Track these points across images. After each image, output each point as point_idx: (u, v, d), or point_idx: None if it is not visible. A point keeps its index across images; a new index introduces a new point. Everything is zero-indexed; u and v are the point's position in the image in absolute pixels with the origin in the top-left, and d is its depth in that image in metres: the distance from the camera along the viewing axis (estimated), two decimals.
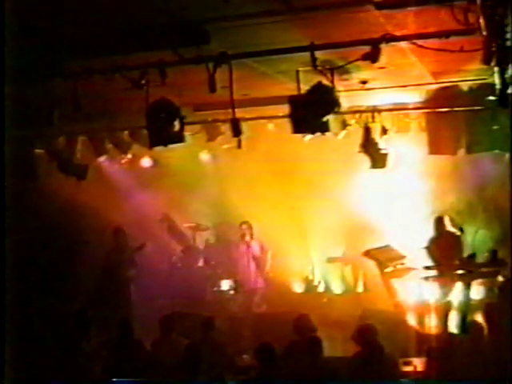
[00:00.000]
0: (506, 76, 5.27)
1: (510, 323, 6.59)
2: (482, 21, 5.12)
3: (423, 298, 9.64)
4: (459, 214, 10.54)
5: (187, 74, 7.22)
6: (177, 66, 6.77)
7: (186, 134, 7.43)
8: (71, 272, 11.43)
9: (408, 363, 7.41)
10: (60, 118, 7.71)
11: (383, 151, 9.94)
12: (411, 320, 9.37)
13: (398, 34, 6.17)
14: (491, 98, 7.16)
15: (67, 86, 7.10)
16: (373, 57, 6.15)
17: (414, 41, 6.20)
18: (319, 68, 6.54)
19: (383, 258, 9.90)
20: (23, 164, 10.01)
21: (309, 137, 7.60)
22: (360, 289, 11.88)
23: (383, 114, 10.07)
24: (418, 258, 10.05)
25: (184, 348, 6.85)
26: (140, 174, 12.68)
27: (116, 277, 11.06)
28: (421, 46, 6.20)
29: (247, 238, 11.50)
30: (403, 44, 6.52)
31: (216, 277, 11.80)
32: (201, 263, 12.37)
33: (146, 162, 12.56)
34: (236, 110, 7.29)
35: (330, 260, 12.09)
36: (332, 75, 6.72)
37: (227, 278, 11.60)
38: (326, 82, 6.71)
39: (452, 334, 8.42)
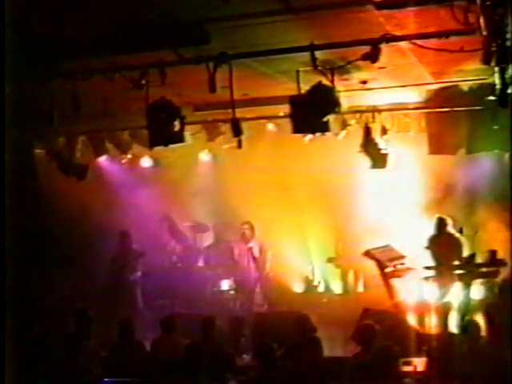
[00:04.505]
0: (506, 76, 5.27)
1: (509, 323, 6.59)
2: (482, 21, 5.12)
3: (423, 298, 9.64)
4: (459, 214, 10.53)
5: (187, 74, 7.22)
6: (177, 66, 6.77)
7: (186, 133, 7.43)
8: (72, 272, 11.43)
9: (408, 363, 7.39)
10: (60, 118, 7.70)
11: (383, 151, 9.95)
12: (411, 320, 9.36)
13: (398, 33, 6.18)
14: (491, 97, 7.16)
15: (67, 86, 7.10)
16: (373, 57, 6.16)
17: (414, 41, 6.21)
18: (319, 68, 6.54)
19: (383, 258, 9.90)
20: (23, 164, 10.01)
21: (309, 137, 7.61)
22: (360, 289, 11.87)
23: (383, 114, 10.08)
24: (417, 257, 10.05)
25: (184, 348, 6.85)
26: (140, 173, 12.68)
27: (121, 279, 11.11)
28: (421, 46, 6.20)
29: (247, 237, 11.52)
30: (403, 44, 6.52)
31: (216, 277, 11.79)
32: (201, 263, 12.37)
33: (145, 161, 12.56)
34: (236, 110, 7.29)
35: (330, 260, 12.08)
36: (332, 75, 6.72)
37: (227, 278, 11.60)
38: (326, 81, 6.72)
39: (452, 334, 8.43)
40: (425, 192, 11.06)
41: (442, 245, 9.93)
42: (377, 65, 6.40)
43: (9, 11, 4.48)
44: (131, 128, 10.60)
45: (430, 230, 10.21)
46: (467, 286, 9.20)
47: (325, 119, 6.82)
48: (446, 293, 9.40)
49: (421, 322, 9.36)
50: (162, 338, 7.96)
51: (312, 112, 6.79)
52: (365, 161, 10.01)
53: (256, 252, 11.49)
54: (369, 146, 9.87)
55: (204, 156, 12.67)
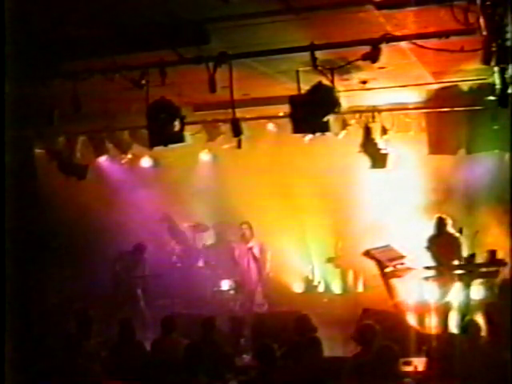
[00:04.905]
0: (506, 76, 5.27)
1: (509, 323, 6.59)
2: (481, 21, 5.12)
3: (423, 298, 9.64)
4: (459, 214, 10.52)
5: (187, 74, 7.22)
6: (177, 66, 6.77)
7: (186, 133, 7.42)
8: (72, 271, 11.44)
9: (408, 363, 7.40)
10: (60, 118, 7.70)
11: (383, 151, 9.97)
12: (411, 320, 9.36)
13: (398, 33, 6.17)
14: (491, 97, 7.16)
15: (67, 86, 7.10)
16: (373, 57, 6.15)
17: (414, 41, 6.20)
18: (319, 68, 6.54)
19: (383, 258, 9.90)
20: (23, 164, 10.01)
21: (309, 137, 7.61)
22: (360, 289, 11.87)
23: (383, 114, 10.09)
24: (418, 257, 10.05)
25: (184, 348, 6.86)
26: (140, 173, 12.69)
27: (123, 281, 11.12)
28: (421, 46, 6.19)
29: (247, 238, 11.53)
30: (403, 44, 6.52)
31: (216, 277, 11.80)
32: (201, 263, 12.38)
33: (145, 161, 12.58)
34: (236, 110, 7.29)
35: (330, 260, 12.08)
36: (332, 75, 6.72)
37: (227, 278, 11.61)
38: (326, 81, 6.71)
39: (452, 334, 8.43)
40: (425, 192, 11.06)
41: (442, 245, 9.93)
42: (377, 65, 6.39)
43: (9, 11, 4.48)
44: (131, 128, 10.60)
45: (429, 229, 10.20)
46: (467, 286, 9.19)
47: (325, 119, 6.81)
48: (446, 293, 9.40)
49: (421, 322, 9.37)
50: (162, 338, 7.96)
51: (312, 112, 6.78)
52: (365, 161, 10.02)
53: (256, 252, 11.49)
54: (369, 145, 9.88)
55: (204, 156, 12.69)
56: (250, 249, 11.50)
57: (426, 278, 9.55)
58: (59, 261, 11.35)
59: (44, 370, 7.00)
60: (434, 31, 5.98)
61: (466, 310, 8.98)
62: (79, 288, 11.00)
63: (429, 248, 10.02)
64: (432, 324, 9.17)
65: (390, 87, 9.10)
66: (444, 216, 10.16)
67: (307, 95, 6.79)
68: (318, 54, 6.39)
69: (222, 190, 12.33)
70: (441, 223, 10.10)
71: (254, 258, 11.44)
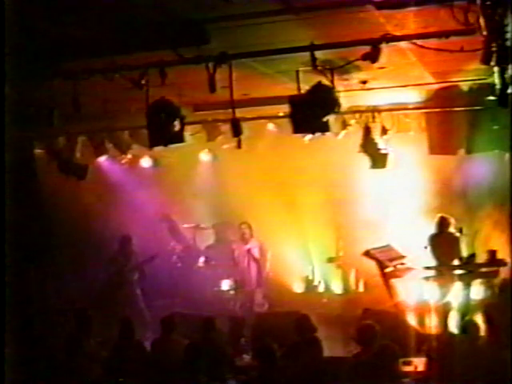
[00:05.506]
0: (506, 76, 5.27)
1: (510, 323, 6.60)
2: (481, 21, 5.12)
3: (423, 297, 9.63)
4: (459, 214, 10.52)
5: (187, 74, 7.22)
6: (177, 66, 6.77)
7: (186, 134, 7.42)
8: (72, 271, 11.44)
9: (408, 363, 7.40)
10: (60, 118, 7.70)
11: (383, 151, 9.96)
12: (411, 320, 9.36)
13: (398, 33, 6.17)
14: (491, 97, 7.16)
15: (67, 86, 7.10)
16: (373, 57, 6.15)
17: (414, 41, 6.20)
18: (319, 68, 6.54)
19: (383, 257, 9.89)
20: (23, 164, 10.01)
21: (309, 137, 7.61)
22: (360, 289, 11.87)
23: (383, 114, 10.08)
24: (418, 257, 10.04)
25: (184, 348, 6.86)
26: (140, 173, 12.69)
27: (120, 281, 11.10)
28: (421, 46, 6.20)
29: (247, 238, 11.53)
30: (403, 44, 6.52)
31: (216, 277, 11.80)
32: (201, 263, 12.37)
33: (145, 161, 12.57)
34: (236, 110, 7.29)
35: (331, 260, 12.08)
36: (332, 75, 6.72)
37: (227, 278, 11.61)
38: (326, 81, 6.71)
39: (452, 334, 8.43)
40: (425, 192, 11.05)
41: (442, 244, 9.92)
42: (377, 65, 6.39)
43: (9, 11, 4.48)
44: (131, 128, 10.60)
45: (430, 229, 10.19)
46: (467, 286, 9.20)
47: (325, 119, 6.81)
48: (446, 293, 9.39)
49: (421, 322, 9.36)
50: (162, 338, 7.97)
51: (312, 112, 6.78)
52: (365, 161, 10.02)
53: (256, 252, 11.49)
54: (369, 146, 9.88)
55: (204, 156, 12.68)
56: (250, 249, 11.50)
57: (426, 278, 9.55)
58: (59, 261, 11.35)
59: (44, 370, 7.01)
60: (434, 31, 5.98)
61: (465, 310, 8.98)
62: (79, 288, 11.00)
63: (429, 248, 10.00)
64: (432, 324, 9.16)
65: (390, 87, 9.10)
66: (446, 216, 10.14)
67: (307, 95, 6.79)
68: (318, 54, 6.39)
69: (222, 190, 12.33)
70: (442, 223, 10.08)
71: (254, 258, 11.44)
